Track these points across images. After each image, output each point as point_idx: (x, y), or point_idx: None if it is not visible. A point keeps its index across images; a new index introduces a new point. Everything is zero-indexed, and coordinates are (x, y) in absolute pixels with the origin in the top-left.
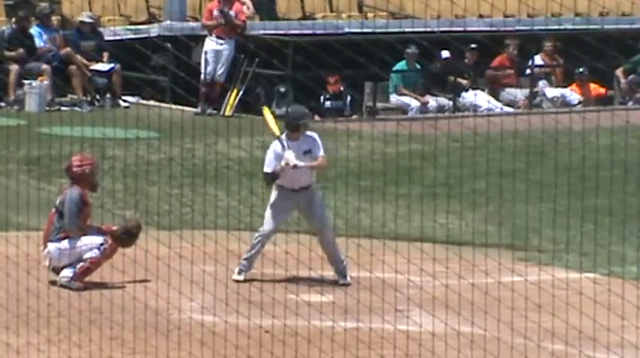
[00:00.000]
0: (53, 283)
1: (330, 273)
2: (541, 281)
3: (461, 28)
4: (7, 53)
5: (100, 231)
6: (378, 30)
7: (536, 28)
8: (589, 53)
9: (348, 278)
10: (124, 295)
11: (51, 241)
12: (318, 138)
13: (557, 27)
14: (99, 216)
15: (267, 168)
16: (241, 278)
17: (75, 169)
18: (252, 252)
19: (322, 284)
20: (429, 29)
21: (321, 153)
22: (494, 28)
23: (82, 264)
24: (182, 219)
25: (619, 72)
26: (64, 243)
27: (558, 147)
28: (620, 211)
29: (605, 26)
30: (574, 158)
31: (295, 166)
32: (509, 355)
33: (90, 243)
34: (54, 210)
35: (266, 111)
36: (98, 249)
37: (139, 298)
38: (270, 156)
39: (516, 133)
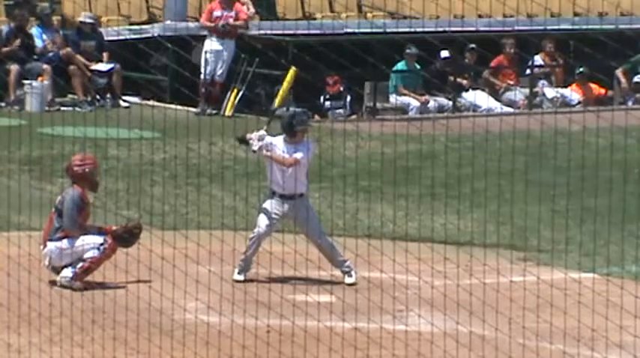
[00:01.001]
0: (54, 283)
1: (335, 273)
2: (541, 281)
3: (460, 28)
4: (4, 49)
5: (100, 231)
6: (377, 30)
7: (537, 27)
8: (597, 52)
9: (354, 278)
10: (126, 294)
11: (50, 240)
12: (310, 146)
13: (557, 27)
14: (101, 215)
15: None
16: (241, 278)
17: (75, 169)
18: (248, 252)
19: (326, 283)
20: (428, 29)
21: (298, 155)
22: (494, 28)
23: (82, 263)
24: (183, 219)
25: (619, 72)
26: (64, 243)
27: (557, 147)
28: (620, 211)
29: (614, 26)
30: (574, 158)
31: (254, 152)
32: (510, 355)
33: (90, 243)
34: (53, 209)
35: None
36: (98, 248)
37: (141, 297)
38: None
39: (517, 133)
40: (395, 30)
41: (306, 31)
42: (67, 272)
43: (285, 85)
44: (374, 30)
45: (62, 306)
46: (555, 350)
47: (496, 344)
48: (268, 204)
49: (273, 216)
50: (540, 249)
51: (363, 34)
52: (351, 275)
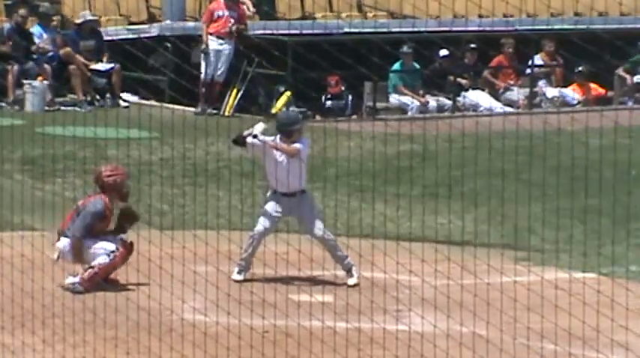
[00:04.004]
0: (61, 286)
1: (321, 273)
2: (537, 282)
3: (460, 28)
4: (1, 47)
5: (115, 236)
6: (377, 29)
7: (534, 27)
8: (585, 55)
9: (355, 279)
10: (118, 296)
11: (65, 236)
12: (307, 141)
13: (555, 27)
14: None
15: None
16: (241, 277)
17: (106, 179)
18: (248, 252)
19: (316, 284)
20: (428, 29)
21: (297, 145)
22: (493, 28)
23: (90, 270)
24: (179, 220)
25: (621, 71)
26: None
27: (554, 147)
28: (616, 211)
29: (598, 25)
30: (569, 158)
31: (255, 136)
32: (504, 355)
33: (101, 248)
34: (75, 207)
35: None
36: (108, 255)
37: (133, 299)
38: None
39: (518, 133)
40: (390, 30)
41: (285, 31)
42: (73, 278)
43: (279, 105)
44: (366, 30)
45: (55, 308)
46: (548, 350)
47: (486, 346)
48: (269, 205)
49: (274, 215)
50: (524, 248)
51: (357, 34)
52: (351, 276)
